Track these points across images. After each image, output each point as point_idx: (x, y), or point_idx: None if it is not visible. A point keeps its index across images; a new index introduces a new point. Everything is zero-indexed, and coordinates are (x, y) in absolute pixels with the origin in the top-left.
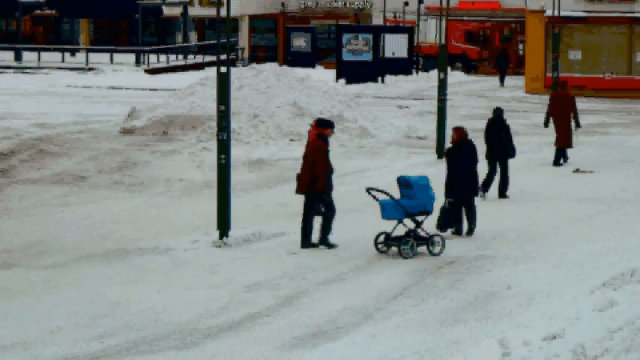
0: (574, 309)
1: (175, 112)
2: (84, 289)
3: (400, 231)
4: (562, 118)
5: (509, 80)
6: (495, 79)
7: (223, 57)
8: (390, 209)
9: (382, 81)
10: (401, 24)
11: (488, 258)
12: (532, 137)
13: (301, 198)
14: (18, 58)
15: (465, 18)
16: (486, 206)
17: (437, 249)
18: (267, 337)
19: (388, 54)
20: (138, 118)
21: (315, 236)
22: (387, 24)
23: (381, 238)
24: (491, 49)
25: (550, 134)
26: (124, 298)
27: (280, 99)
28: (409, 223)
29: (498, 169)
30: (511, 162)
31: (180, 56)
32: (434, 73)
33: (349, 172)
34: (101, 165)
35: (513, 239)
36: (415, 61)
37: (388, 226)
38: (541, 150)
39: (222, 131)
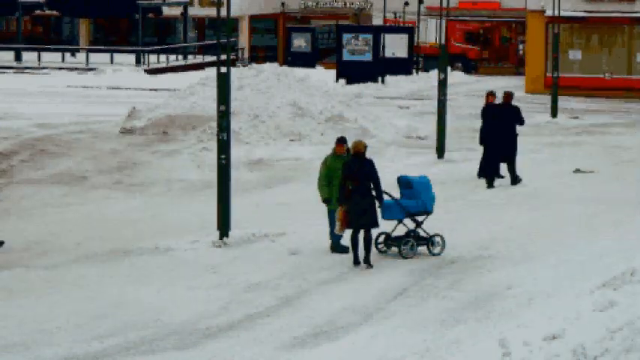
0: (574, 309)
1: (175, 112)
2: (84, 289)
3: (400, 231)
4: None
5: (509, 80)
6: (495, 80)
7: (223, 57)
8: (390, 209)
9: (382, 81)
10: (401, 24)
11: (488, 258)
12: (532, 137)
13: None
14: (18, 58)
15: (465, 18)
16: (486, 206)
17: (437, 249)
18: (267, 337)
19: (388, 54)
20: (138, 118)
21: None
22: (387, 24)
23: (381, 238)
24: (491, 50)
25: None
26: (124, 298)
27: (280, 99)
28: (409, 223)
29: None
30: None
31: (180, 56)
32: (434, 73)
33: None
34: (101, 165)
35: (513, 239)
36: (415, 61)
37: (388, 226)
38: (541, 150)
39: (222, 131)
